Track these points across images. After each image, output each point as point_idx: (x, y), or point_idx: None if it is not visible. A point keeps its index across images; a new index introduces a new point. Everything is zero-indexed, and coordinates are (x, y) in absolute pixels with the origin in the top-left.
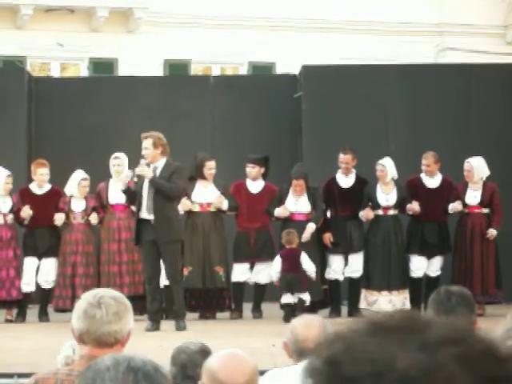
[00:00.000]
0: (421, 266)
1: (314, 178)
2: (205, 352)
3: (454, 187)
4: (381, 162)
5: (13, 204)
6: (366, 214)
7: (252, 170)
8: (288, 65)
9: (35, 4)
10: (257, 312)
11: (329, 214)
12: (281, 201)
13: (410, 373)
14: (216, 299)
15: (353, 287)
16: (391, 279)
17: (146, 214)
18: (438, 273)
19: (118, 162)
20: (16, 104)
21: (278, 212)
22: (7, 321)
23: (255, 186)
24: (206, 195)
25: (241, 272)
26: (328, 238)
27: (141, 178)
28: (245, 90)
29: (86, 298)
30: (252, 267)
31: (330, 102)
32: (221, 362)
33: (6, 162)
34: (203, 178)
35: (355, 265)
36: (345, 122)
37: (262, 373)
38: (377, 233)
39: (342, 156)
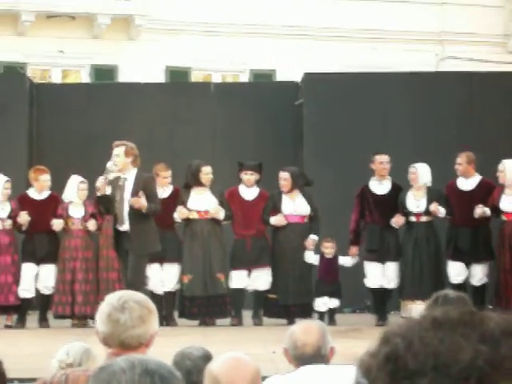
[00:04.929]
0: (459, 272)
1: (314, 185)
2: (207, 357)
3: (492, 190)
4: (414, 165)
5: (11, 210)
6: (396, 221)
7: (251, 176)
8: (289, 72)
9: (37, 11)
10: (257, 319)
11: (361, 225)
12: (274, 207)
13: (476, 363)
14: (218, 306)
15: (386, 296)
16: (423, 289)
17: (123, 226)
18: (483, 281)
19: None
20: (17, 110)
21: (275, 221)
22: (7, 326)
23: (249, 192)
24: (202, 202)
25: (239, 278)
26: (354, 251)
27: (115, 189)
28: (246, 97)
29: (109, 302)
30: (250, 274)
31: (331, 109)
32: (222, 365)
33: (7, 168)
34: (199, 184)
35: (390, 274)
36: (346, 129)
37: (263, 379)
38: (408, 240)
39: (377, 157)
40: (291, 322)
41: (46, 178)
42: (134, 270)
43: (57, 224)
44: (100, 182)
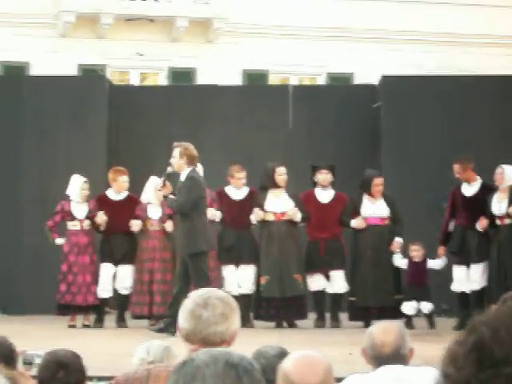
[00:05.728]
0: None
1: (392, 189)
2: (283, 356)
3: None
4: (502, 165)
5: (89, 210)
6: (479, 224)
7: (326, 176)
8: (366, 75)
9: (115, 13)
10: (334, 321)
11: (452, 225)
12: (354, 210)
13: None
14: (296, 307)
15: (475, 300)
16: (506, 292)
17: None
18: None
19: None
20: (96, 112)
21: (356, 224)
22: (84, 326)
23: (325, 195)
24: (279, 204)
25: (317, 281)
26: (441, 251)
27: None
28: (323, 100)
29: (192, 298)
30: (326, 277)
31: (409, 112)
32: (293, 363)
33: (87, 168)
34: (276, 186)
35: (473, 276)
36: (424, 132)
37: (339, 380)
38: (494, 243)
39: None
40: (369, 324)
41: (124, 179)
42: (192, 274)
43: (135, 225)
44: (158, 184)
